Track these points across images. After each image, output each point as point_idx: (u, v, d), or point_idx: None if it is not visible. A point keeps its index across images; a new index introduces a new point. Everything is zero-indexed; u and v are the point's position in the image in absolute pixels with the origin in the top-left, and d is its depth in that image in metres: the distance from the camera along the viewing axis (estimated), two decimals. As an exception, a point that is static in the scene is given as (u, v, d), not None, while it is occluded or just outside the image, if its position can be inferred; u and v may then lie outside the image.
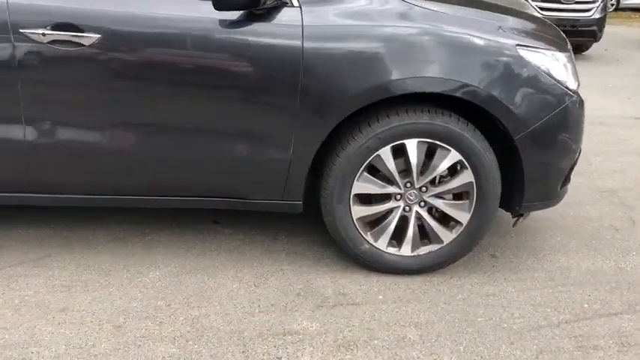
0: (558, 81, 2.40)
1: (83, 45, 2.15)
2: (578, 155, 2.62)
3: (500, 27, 2.44)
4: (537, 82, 2.37)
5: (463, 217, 2.48)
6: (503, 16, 2.63)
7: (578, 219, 3.22)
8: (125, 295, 2.35)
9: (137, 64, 2.22)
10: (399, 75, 2.27)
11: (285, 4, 2.23)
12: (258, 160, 2.38)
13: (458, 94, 2.30)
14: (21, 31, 2.12)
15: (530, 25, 2.67)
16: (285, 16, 2.23)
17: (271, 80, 2.26)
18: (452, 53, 2.30)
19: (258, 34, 2.22)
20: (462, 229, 2.49)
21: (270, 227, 2.90)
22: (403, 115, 2.34)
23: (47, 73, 2.20)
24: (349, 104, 2.29)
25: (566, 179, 2.60)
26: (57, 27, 2.13)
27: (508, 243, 2.91)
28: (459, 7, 2.59)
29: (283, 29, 2.22)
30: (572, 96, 2.44)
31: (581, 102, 2.52)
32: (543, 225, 3.12)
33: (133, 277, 2.48)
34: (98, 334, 2.12)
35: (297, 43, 2.21)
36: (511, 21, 2.60)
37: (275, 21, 2.22)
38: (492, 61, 2.32)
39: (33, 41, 2.13)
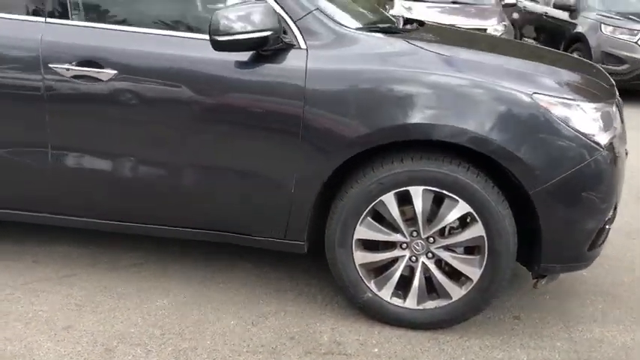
0: (582, 134, 2.19)
1: (102, 80, 2.30)
2: (613, 214, 2.37)
3: (519, 72, 2.29)
4: (556, 133, 2.18)
5: (473, 272, 2.32)
6: (527, 61, 2.47)
7: (632, 287, 2.89)
8: (127, 320, 2.43)
9: (148, 100, 2.33)
10: (399, 120, 2.19)
11: (292, 47, 2.25)
12: (260, 197, 2.39)
13: (463, 142, 2.18)
14: (49, 65, 2.31)
15: (561, 72, 2.47)
16: (292, 58, 2.24)
17: (274, 120, 2.28)
18: (456, 99, 2.18)
19: (264, 74, 2.25)
20: (472, 285, 2.33)
21: (288, 265, 2.88)
22: (408, 162, 2.25)
23: (70, 105, 2.37)
24: (350, 147, 2.24)
25: (597, 241, 2.35)
26: (80, 63, 2.30)
27: (538, 305, 2.67)
28: (477, 51, 2.48)
29: (288, 71, 2.24)
30: (601, 150, 2.22)
31: (616, 157, 2.29)
32: (588, 289, 2.84)
33: (141, 302, 2.57)
34: (88, 355, 2.20)
35: (300, 84, 2.21)
36: (535, 66, 2.43)
37: (281, 63, 2.24)
38: (503, 108, 2.18)
39: (59, 75, 2.31)
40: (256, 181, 2.37)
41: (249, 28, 2.09)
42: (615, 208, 2.37)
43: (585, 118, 2.22)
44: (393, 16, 3.31)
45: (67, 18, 2.36)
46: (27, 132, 2.43)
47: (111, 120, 2.37)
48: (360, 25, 2.51)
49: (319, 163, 2.29)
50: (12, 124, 2.44)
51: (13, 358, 2.16)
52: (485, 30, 7.68)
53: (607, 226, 2.35)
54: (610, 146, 2.26)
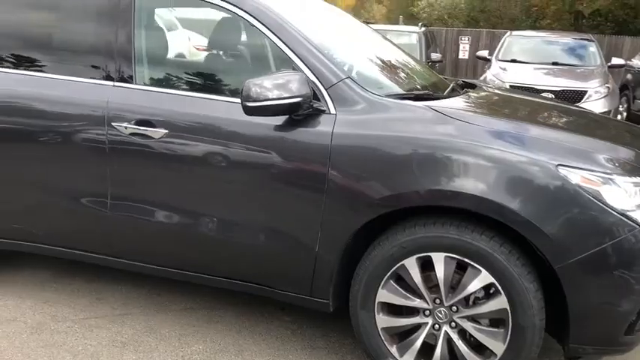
0: (614, 209, 2.08)
1: (154, 138, 2.54)
2: None
3: (546, 142, 2.22)
4: (583, 207, 2.09)
5: (497, 347, 2.24)
6: (561, 131, 2.40)
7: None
8: (162, 362, 2.59)
9: (191, 158, 2.53)
10: (415, 186, 2.22)
11: (322, 112, 2.37)
12: (287, 253, 2.48)
13: (484, 211, 2.15)
14: (112, 124, 2.60)
15: (600, 144, 2.36)
16: (321, 122, 2.35)
17: (302, 179, 2.39)
18: (475, 167, 2.17)
19: (295, 137, 2.37)
20: (496, 360, 2.24)
21: (326, 324, 2.91)
22: (430, 227, 2.25)
23: (126, 159, 2.63)
24: (370, 208, 2.29)
25: (635, 325, 2.18)
26: (137, 122, 2.56)
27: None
28: (508, 120, 2.45)
29: (316, 134, 2.35)
30: (636, 228, 2.09)
31: None
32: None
33: (180, 345, 2.72)
34: (118, 391, 2.37)
35: (327, 146, 2.31)
36: (568, 137, 2.34)
37: (311, 127, 2.36)
38: (525, 178, 2.13)
39: (119, 132, 2.59)
40: (284, 238, 2.46)
41: (275, 96, 2.24)
42: None
43: (619, 193, 2.11)
44: (449, 79, 3.35)
45: (131, 82, 2.65)
46: (91, 181, 2.72)
47: (160, 174, 2.61)
48: (396, 91, 2.59)
49: (342, 223, 2.35)
50: (79, 173, 2.74)
51: (54, 387, 2.38)
52: (585, 92, 7.39)
53: (647, 312, 2.18)
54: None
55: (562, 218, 2.10)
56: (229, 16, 2.61)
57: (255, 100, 2.25)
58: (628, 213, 2.10)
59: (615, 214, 2.09)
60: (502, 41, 9.43)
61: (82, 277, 3.31)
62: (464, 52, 19.54)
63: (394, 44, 3.57)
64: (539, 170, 2.13)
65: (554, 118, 2.77)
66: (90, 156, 2.68)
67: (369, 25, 11.78)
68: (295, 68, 2.42)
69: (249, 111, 2.28)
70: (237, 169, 2.48)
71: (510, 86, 7.67)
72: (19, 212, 2.90)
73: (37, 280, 3.29)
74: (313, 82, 2.38)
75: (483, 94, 3.08)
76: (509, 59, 8.73)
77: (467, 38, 20.69)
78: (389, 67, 2.90)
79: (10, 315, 2.92)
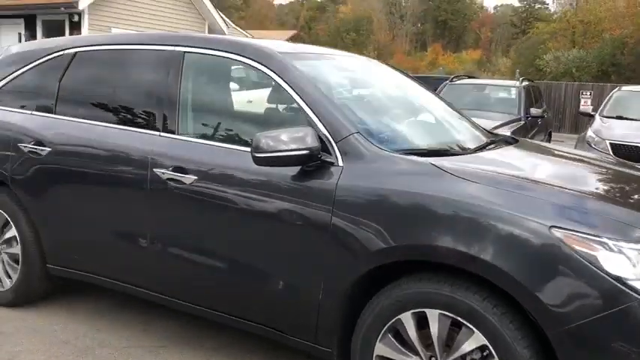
0: (612, 276, 1.97)
1: (185, 183, 2.78)
2: None
3: (546, 203, 2.15)
4: (578, 273, 1.99)
5: (486, 412, 2.15)
6: (569, 191, 2.29)
7: None
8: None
9: (215, 203, 2.73)
10: (405, 240, 2.23)
11: (332, 164, 2.47)
12: (294, 299, 2.56)
13: (473, 269, 2.12)
14: (153, 169, 2.88)
15: (610, 207, 2.24)
16: (329, 173, 2.46)
17: (307, 226, 2.48)
18: (464, 224, 2.15)
19: (304, 187, 2.49)
20: None
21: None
22: (425, 282, 2.25)
23: (163, 201, 2.89)
24: (367, 259, 2.33)
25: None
26: (174, 168, 2.82)
27: None
28: (513, 178, 2.39)
29: (323, 184, 2.45)
30: (635, 297, 1.95)
31: None
32: None
33: (201, 381, 2.86)
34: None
35: (331, 196, 2.41)
36: (574, 198, 2.23)
37: (319, 177, 2.47)
38: (514, 238, 2.08)
39: (158, 177, 2.85)
40: (291, 284, 2.56)
41: (283, 148, 2.38)
42: None
43: (619, 259, 1.99)
44: (492, 135, 3.32)
45: (174, 133, 2.93)
46: (134, 220, 3.00)
47: (186, 216, 2.83)
48: (411, 146, 2.64)
49: (343, 273, 2.40)
50: (125, 212, 3.04)
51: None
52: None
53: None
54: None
55: (555, 283, 2.02)
56: (240, 65, 2.87)
57: (263, 152, 2.41)
58: (628, 281, 1.97)
59: (613, 281, 1.97)
60: (609, 96, 8.94)
61: (136, 309, 3.58)
62: (585, 107, 18.68)
63: (442, 99, 3.61)
64: (530, 230, 2.07)
65: (577, 178, 2.65)
66: (134, 197, 2.98)
67: (465, 77, 11.66)
68: (311, 123, 2.56)
69: (257, 161, 2.44)
70: (251, 215, 2.64)
71: (611, 144, 7.26)
72: (77, 245, 3.26)
73: (97, 308, 3.61)
74: (325, 136, 2.51)
75: (516, 150, 3.02)
76: (614, 115, 8.25)
77: (588, 93, 19.79)
78: (415, 123, 2.95)
79: (65, 337, 3.24)
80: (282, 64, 2.74)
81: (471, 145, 2.94)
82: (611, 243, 2.01)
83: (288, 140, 2.40)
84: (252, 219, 2.64)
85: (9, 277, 3.54)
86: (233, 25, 25.47)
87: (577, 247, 2.01)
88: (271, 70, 2.73)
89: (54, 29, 14.13)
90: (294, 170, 2.52)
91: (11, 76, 3.66)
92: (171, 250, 2.89)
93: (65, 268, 3.33)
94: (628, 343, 1.96)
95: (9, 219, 3.47)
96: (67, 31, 14.18)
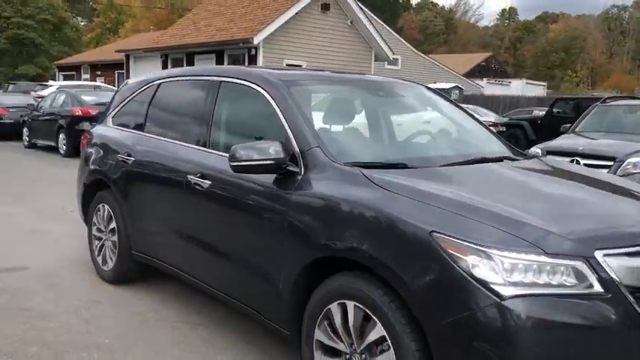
0: (478, 280, 2.11)
1: (204, 187, 3.40)
2: None
3: (436, 209, 2.33)
4: (449, 275, 2.17)
5: (390, 399, 2.38)
6: (472, 202, 2.42)
7: None
8: None
9: (220, 204, 3.31)
10: (326, 239, 2.61)
11: (295, 172, 2.90)
12: (265, 284, 3.00)
13: (369, 265, 2.40)
14: (187, 176, 3.55)
15: (506, 218, 2.31)
16: (292, 180, 2.88)
17: (272, 224, 2.93)
18: (369, 226, 2.46)
19: (272, 191, 2.95)
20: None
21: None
22: (347, 277, 2.56)
23: (191, 202, 3.55)
24: (308, 254, 2.71)
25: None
26: (198, 175, 3.46)
27: None
28: (427, 188, 2.55)
29: (284, 188, 2.89)
30: (496, 301, 2.07)
31: (521, 314, 2.07)
32: None
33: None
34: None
35: (288, 198, 2.84)
36: (470, 210, 2.35)
37: (283, 182, 2.91)
38: (402, 240, 2.32)
39: (189, 182, 3.51)
40: (264, 271, 3.00)
41: (252, 158, 2.87)
42: None
43: (489, 266, 2.13)
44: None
45: (205, 146, 3.58)
46: (178, 216, 3.71)
47: (203, 214, 3.45)
48: (373, 160, 2.94)
49: (293, 263, 2.80)
50: (172, 210, 3.77)
51: None
52: None
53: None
54: (517, 300, 2.09)
55: (428, 280, 2.22)
56: (248, 91, 3.40)
57: (237, 161, 2.92)
58: (492, 286, 2.10)
59: (478, 285, 2.12)
60: None
61: (189, 294, 4.25)
62: None
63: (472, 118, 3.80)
64: (414, 234, 2.29)
65: (524, 196, 2.69)
66: (177, 197, 3.69)
67: (627, 97, 10.77)
68: (287, 138, 3.01)
69: (233, 169, 2.96)
70: (240, 214, 3.17)
71: None
72: (147, 234, 4.07)
73: (166, 290, 4.40)
74: (295, 150, 2.94)
75: (499, 168, 3.14)
76: None
77: None
78: (393, 141, 3.23)
79: (137, 310, 4.05)
80: (277, 90, 3.22)
81: (444, 161, 3.12)
82: (481, 249, 2.16)
83: (258, 152, 2.88)
84: (240, 217, 3.17)
85: (111, 260, 4.51)
86: (413, 49, 25.95)
87: (450, 251, 2.19)
88: (268, 94, 3.24)
89: (237, 62, 16.14)
90: (271, 178, 2.99)
91: (122, 103, 4.68)
92: (193, 241, 3.55)
93: (141, 253, 4.17)
94: (488, 343, 2.09)
95: (112, 213, 4.43)
96: (246, 63, 16.09)
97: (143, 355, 3.37)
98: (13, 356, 3.29)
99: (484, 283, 2.12)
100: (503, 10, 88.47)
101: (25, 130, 15.04)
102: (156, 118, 4.24)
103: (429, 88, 4.21)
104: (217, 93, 3.64)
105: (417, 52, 29.21)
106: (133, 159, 4.15)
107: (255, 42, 15.54)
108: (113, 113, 4.78)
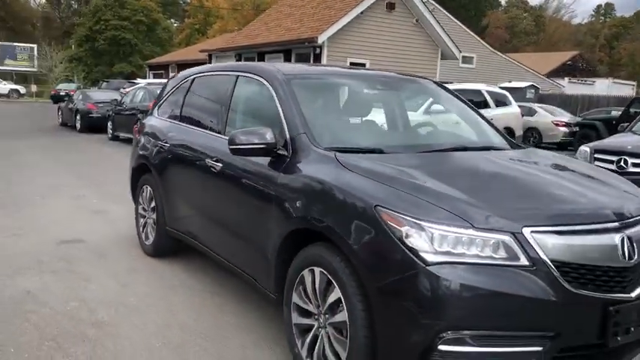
0: (409, 248, 2.39)
1: (216, 169, 3.84)
2: (457, 336, 2.34)
3: (386, 187, 2.63)
4: (386, 243, 2.46)
5: (342, 355, 2.70)
6: (421, 182, 2.70)
7: None
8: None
9: (229, 182, 3.72)
10: (300, 212, 2.98)
11: (285, 156, 3.26)
12: (258, 253, 3.38)
13: (328, 234, 2.74)
14: (205, 160, 4.00)
15: (442, 194, 2.59)
16: (281, 162, 3.26)
17: (264, 199, 3.30)
18: (327, 200, 2.82)
19: (267, 169, 3.33)
20: (343, 365, 2.71)
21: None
22: (317, 246, 2.89)
23: (208, 182, 3.99)
24: (286, 226, 3.07)
25: (427, 356, 2.37)
26: (215, 159, 3.91)
27: None
28: (384, 171, 2.82)
29: (274, 169, 3.27)
30: (422, 266, 2.35)
31: (444, 279, 2.34)
32: None
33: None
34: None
35: (276, 177, 3.22)
36: (413, 187, 2.63)
37: (273, 164, 3.29)
38: (353, 212, 2.64)
39: (206, 165, 3.96)
40: (257, 241, 3.39)
41: (247, 142, 3.26)
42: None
43: (420, 236, 2.40)
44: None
45: (221, 133, 4.02)
46: (200, 194, 4.18)
47: (215, 192, 3.89)
48: (351, 145, 3.24)
49: (276, 234, 3.17)
50: (196, 188, 4.24)
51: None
52: None
53: (442, 347, 2.34)
54: (442, 267, 2.36)
55: (370, 247, 2.54)
56: (257, 84, 3.80)
57: (234, 145, 3.33)
58: (420, 253, 2.38)
59: (408, 252, 2.40)
60: None
61: (214, 267, 4.74)
62: None
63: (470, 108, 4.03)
64: (363, 209, 2.61)
65: (478, 178, 2.93)
66: (198, 178, 4.16)
67: None
68: (281, 125, 3.38)
69: (231, 151, 3.37)
70: (242, 191, 3.57)
71: None
72: (177, 211, 4.57)
73: (195, 263, 4.89)
74: (286, 136, 3.31)
75: (475, 155, 3.37)
76: None
77: None
78: (378, 129, 3.53)
79: (167, 278, 4.57)
80: (279, 83, 3.59)
81: (424, 148, 3.40)
82: (415, 221, 2.44)
83: (252, 137, 3.28)
84: (242, 194, 3.57)
85: (151, 235, 5.06)
86: (489, 47, 25.51)
87: (389, 222, 2.49)
88: (272, 86, 3.63)
89: (303, 60, 16.66)
90: (267, 160, 3.38)
91: (166, 95, 5.23)
92: (208, 216, 4.00)
93: (173, 229, 4.68)
94: (415, 304, 2.38)
95: (152, 193, 4.98)
96: (311, 61, 16.57)
97: (161, 313, 3.86)
98: (54, 309, 3.87)
99: (414, 251, 2.40)
100: (599, 7, 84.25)
101: (109, 123, 16.29)
102: (188, 108, 4.74)
103: (439, 84, 4.43)
104: (234, 86, 4.07)
105: (493, 50, 28.63)
106: (167, 145, 4.67)
107: (320, 41, 16.01)
108: (159, 105, 5.34)
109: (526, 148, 3.98)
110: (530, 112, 18.99)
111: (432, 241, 2.40)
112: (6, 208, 6.99)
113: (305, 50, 16.95)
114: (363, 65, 16.82)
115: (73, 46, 54.83)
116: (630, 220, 2.67)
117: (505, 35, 63.77)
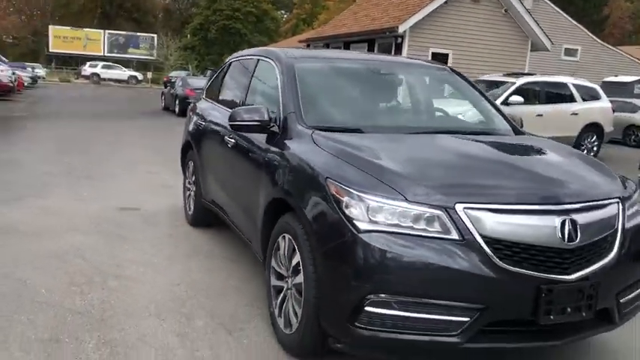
0: (347, 216, 2.59)
1: (230, 144, 4.19)
2: (384, 299, 2.52)
3: (342, 163, 2.84)
4: (331, 211, 2.69)
5: (299, 313, 2.95)
6: (377, 159, 2.89)
7: None
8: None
9: (239, 155, 4.05)
10: (276, 184, 3.28)
11: (277, 133, 3.54)
12: (252, 217, 3.69)
13: (291, 203, 3.02)
14: (224, 136, 4.37)
15: (384, 168, 2.78)
16: (272, 138, 3.54)
17: (259, 168, 3.60)
18: (294, 173, 3.10)
19: (262, 143, 3.63)
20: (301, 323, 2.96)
21: None
22: (289, 215, 3.14)
23: (226, 155, 4.34)
24: (269, 195, 3.35)
25: (357, 317, 2.56)
26: (228, 136, 4.26)
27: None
28: (350, 150, 3.02)
29: (267, 144, 3.56)
30: (355, 234, 2.54)
31: (372, 245, 2.53)
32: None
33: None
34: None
35: (265, 148, 3.51)
36: (368, 162, 2.84)
37: (269, 140, 3.57)
38: (312, 184, 2.89)
39: (225, 141, 4.32)
40: (252, 205, 3.68)
41: (245, 119, 3.58)
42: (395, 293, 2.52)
43: (357, 206, 2.60)
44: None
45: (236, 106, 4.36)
46: (217, 165, 4.56)
47: (229, 163, 4.25)
48: (334, 125, 3.46)
49: (262, 203, 3.46)
50: (218, 159, 4.62)
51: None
52: None
53: (368, 308, 2.52)
54: (373, 235, 2.55)
55: (320, 216, 2.78)
56: (270, 66, 4.07)
57: (234, 121, 3.65)
58: (353, 221, 2.58)
59: (344, 219, 2.61)
60: None
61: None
62: None
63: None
64: (318, 181, 2.85)
65: (426, 153, 3.14)
66: (220, 152, 4.54)
67: None
68: (279, 105, 3.67)
69: (231, 127, 3.70)
70: (246, 162, 3.89)
71: None
72: (206, 182, 4.99)
73: (223, 233, 5.28)
74: (281, 114, 3.59)
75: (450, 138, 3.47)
76: None
77: None
78: (364, 110, 3.79)
79: (195, 244, 5.02)
80: (283, 66, 3.88)
81: (404, 130, 3.56)
82: (355, 193, 2.64)
83: (248, 115, 3.59)
84: (245, 166, 3.89)
85: (192, 206, 5.54)
86: (596, 39, 24.16)
87: (335, 193, 2.71)
88: (278, 69, 3.92)
89: (385, 50, 16.68)
90: (264, 136, 3.68)
91: (212, 78, 5.67)
92: (225, 187, 4.38)
93: (205, 200, 5.11)
94: (348, 268, 2.58)
95: (194, 168, 5.44)
96: (392, 52, 16.54)
97: (176, 273, 4.29)
98: (88, 262, 4.42)
99: (350, 220, 2.60)
100: None
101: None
102: (222, 89, 5.15)
103: (454, 72, 4.51)
104: (254, 69, 4.41)
105: (601, 42, 26.92)
106: (203, 123, 5.10)
107: (400, 31, 15.92)
108: (207, 87, 5.80)
109: (530, 135, 3.98)
110: (634, 109, 17.81)
111: (368, 212, 2.59)
112: (92, 178, 7.82)
113: (387, 40, 16.97)
114: (445, 56, 16.61)
115: (188, 36, 58.12)
116: (578, 205, 2.70)
117: (627, 26, 59.35)
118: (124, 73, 49.58)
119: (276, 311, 3.26)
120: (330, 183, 2.76)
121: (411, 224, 2.56)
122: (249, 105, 4.14)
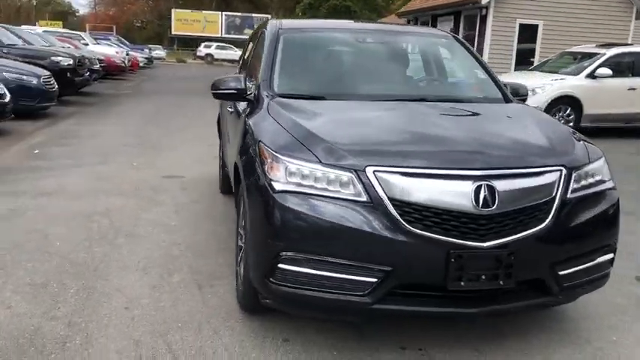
0: (269, 178, 2.72)
1: (231, 112, 4.41)
2: (292, 256, 2.63)
3: (265, 130, 3.00)
4: (258, 174, 2.83)
5: (240, 267, 3.15)
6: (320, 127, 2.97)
7: None
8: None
9: (233, 123, 4.25)
10: (239, 148, 3.43)
11: (252, 101, 3.69)
12: (235, 185, 3.90)
13: (239, 165, 3.20)
14: (228, 106, 4.59)
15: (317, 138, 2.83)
16: (250, 106, 3.68)
17: (242, 129, 3.73)
18: (244, 140, 3.27)
19: (243, 109, 3.79)
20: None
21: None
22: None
23: (230, 122, 4.55)
24: (234, 157, 3.54)
25: (272, 273, 2.68)
26: (229, 105, 4.47)
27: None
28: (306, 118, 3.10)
29: (243, 109, 3.73)
30: (270, 193, 2.68)
31: (285, 205, 2.63)
32: None
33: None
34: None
35: (243, 114, 3.66)
36: (281, 128, 2.98)
37: (246, 109, 3.73)
38: (250, 152, 3.05)
39: (238, 109, 4.49)
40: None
41: (223, 87, 3.75)
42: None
43: (277, 167, 2.72)
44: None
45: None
46: (225, 127, 4.81)
47: (228, 129, 4.47)
48: (299, 92, 3.54)
49: (234, 166, 3.64)
50: (226, 128, 4.86)
51: None
52: None
53: (281, 265, 2.64)
54: (286, 195, 2.65)
55: (252, 178, 2.93)
56: (263, 37, 4.21)
57: (214, 89, 3.83)
58: (272, 181, 2.70)
59: (264, 180, 2.74)
60: None
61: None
62: None
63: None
64: (254, 145, 3.00)
65: (375, 119, 3.12)
66: (233, 120, 4.74)
67: None
68: (258, 74, 3.82)
69: (213, 95, 3.89)
70: (234, 126, 4.07)
71: None
72: (224, 153, 5.25)
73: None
74: (258, 82, 3.74)
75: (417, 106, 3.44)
76: None
77: None
78: (338, 78, 3.82)
79: (218, 224, 5.32)
80: (271, 36, 4.02)
81: (368, 98, 3.58)
82: (277, 155, 2.75)
83: (225, 83, 3.76)
84: (234, 130, 4.07)
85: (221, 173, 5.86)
86: None
87: (262, 156, 2.84)
88: (268, 38, 4.05)
89: (470, 23, 16.01)
90: (245, 103, 3.85)
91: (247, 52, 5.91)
92: (229, 152, 4.61)
93: (225, 168, 5.39)
94: (266, 226, 2.72)
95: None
96: (477, 25, 15.83)
97: (181, 234, 4.61)
98: (111, 221, 4.86)
99: (269, 180, 2.72)
100: None
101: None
102: (241, 61, 5.37)
103: (457, 39, 4.39)
104: (257, 40, 4.57)
105: None
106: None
107: (484, 2, 15.18)
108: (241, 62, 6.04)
109: (520, 104, 3.82)
110: None
111: (286, 173, 2.69)
112: (155, 149, 8.43)
113: (472, 12, 16.26)
114: (535, 28, 15.65)
115: (299, 14, 59.03)
116: (498, 171, 2.63)
117: None
118: (235, 53, 51.54)
119: (239, 268, 3.46)
120: (261, 146, 2.88)
121: (325, 186, 2.63)
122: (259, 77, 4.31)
